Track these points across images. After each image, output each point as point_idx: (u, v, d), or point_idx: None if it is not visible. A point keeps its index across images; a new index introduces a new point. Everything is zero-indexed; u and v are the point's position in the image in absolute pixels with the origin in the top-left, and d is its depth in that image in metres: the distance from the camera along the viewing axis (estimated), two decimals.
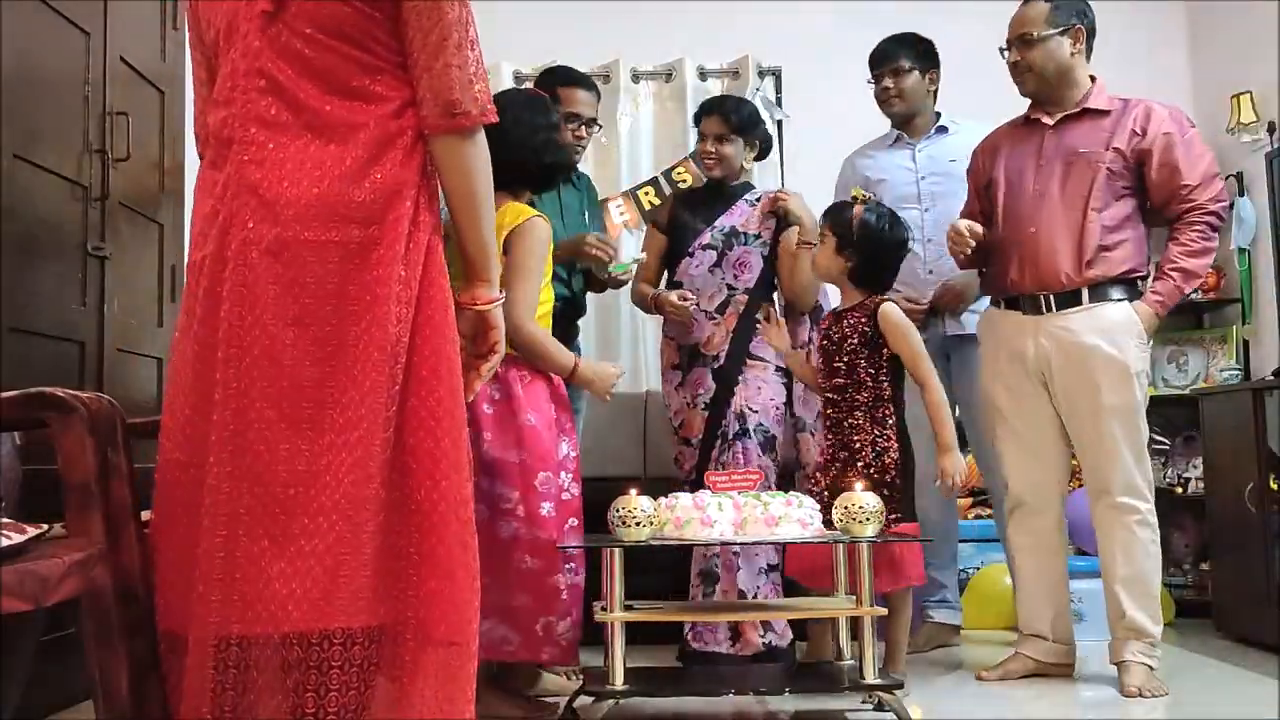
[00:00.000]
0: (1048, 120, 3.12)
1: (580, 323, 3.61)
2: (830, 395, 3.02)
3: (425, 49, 1.72)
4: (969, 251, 3.12)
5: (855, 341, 2.95)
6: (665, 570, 3.41)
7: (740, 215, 3.51)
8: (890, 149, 3.77)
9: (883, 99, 3.74)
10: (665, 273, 3.59)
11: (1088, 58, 3.14)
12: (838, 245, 3.01)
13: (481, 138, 1.77)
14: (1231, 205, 4.47)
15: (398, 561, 1.69)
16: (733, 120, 3.49)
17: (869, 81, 3.77)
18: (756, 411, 3.35)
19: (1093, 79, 3.13)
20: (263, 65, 1.72)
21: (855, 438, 2.94)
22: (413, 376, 1.70)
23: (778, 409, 3.39)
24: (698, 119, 3.60)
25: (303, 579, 1.62)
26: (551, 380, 2.83)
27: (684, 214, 3.56)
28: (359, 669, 1.66)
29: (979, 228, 3.08)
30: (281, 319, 1.66)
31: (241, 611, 1.62)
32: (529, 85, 3.65)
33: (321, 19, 1.71)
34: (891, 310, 2.94)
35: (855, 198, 3.10)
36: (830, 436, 3.03)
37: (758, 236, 3.46)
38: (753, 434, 3.33)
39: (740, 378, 3.39)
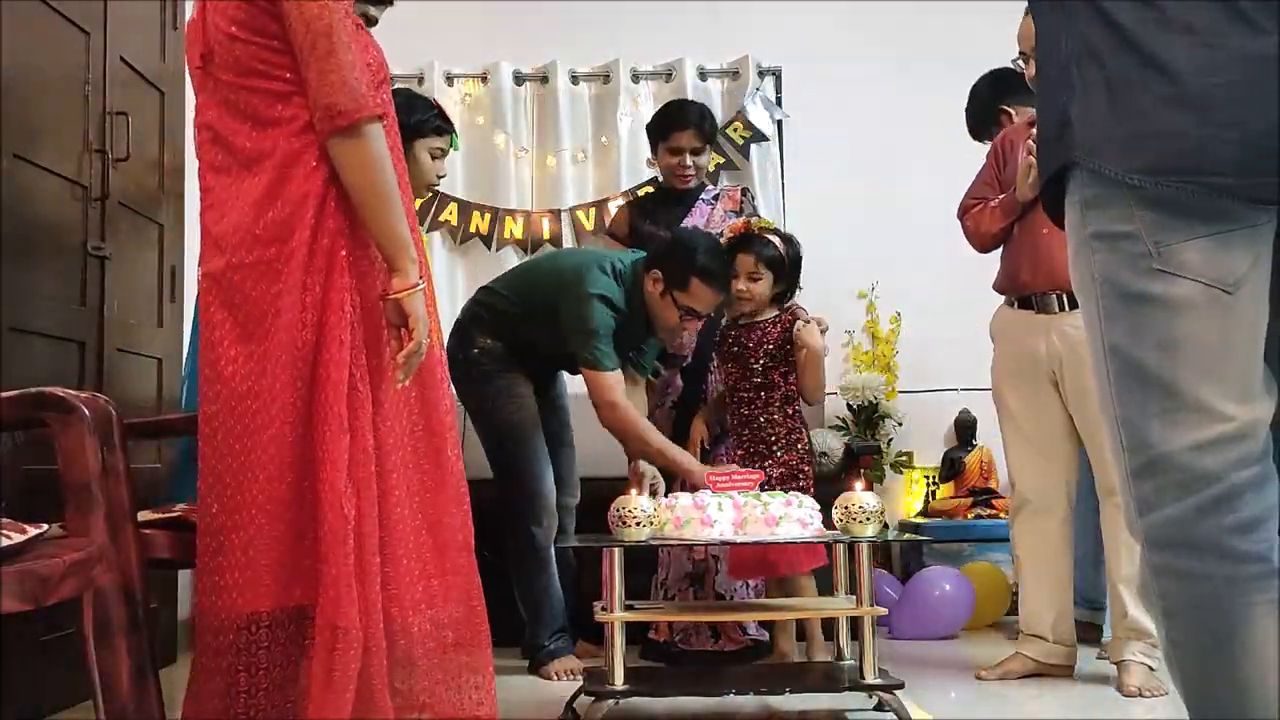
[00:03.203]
0: None
1: None
2: (744, 395, 3.23)
3: (305, 63, 1.83)
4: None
5: (770, 348, 3.19)
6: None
7: (700, 215, 3.53)
8: None
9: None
10: None
11: None
12: (775, 280, 3.21)
13: (370, 131, 1.84)
14: None
15: (304, 549, 1.82)
16: (706, 130, 3.52)
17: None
18: None
19: None
20: (206, 118, 1.94)
21: (770, 432, 3.18)
22: (315, 377, 1.83)
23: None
24: (664, 131, 3.51)
25: (231, 570, 1.80)
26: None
27: (644, 224, 3.53)
28: (283, 649, 1.81)
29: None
30: (229, 337, 1.86)
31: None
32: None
33: (234, 62, 1.88)
34: (812, 331, 3.18)
35: (764, 228, 3.27)
36: (744, 433, 3.23)
37: (720, 235, 3.44)
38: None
39: (710, 376, 3.43)
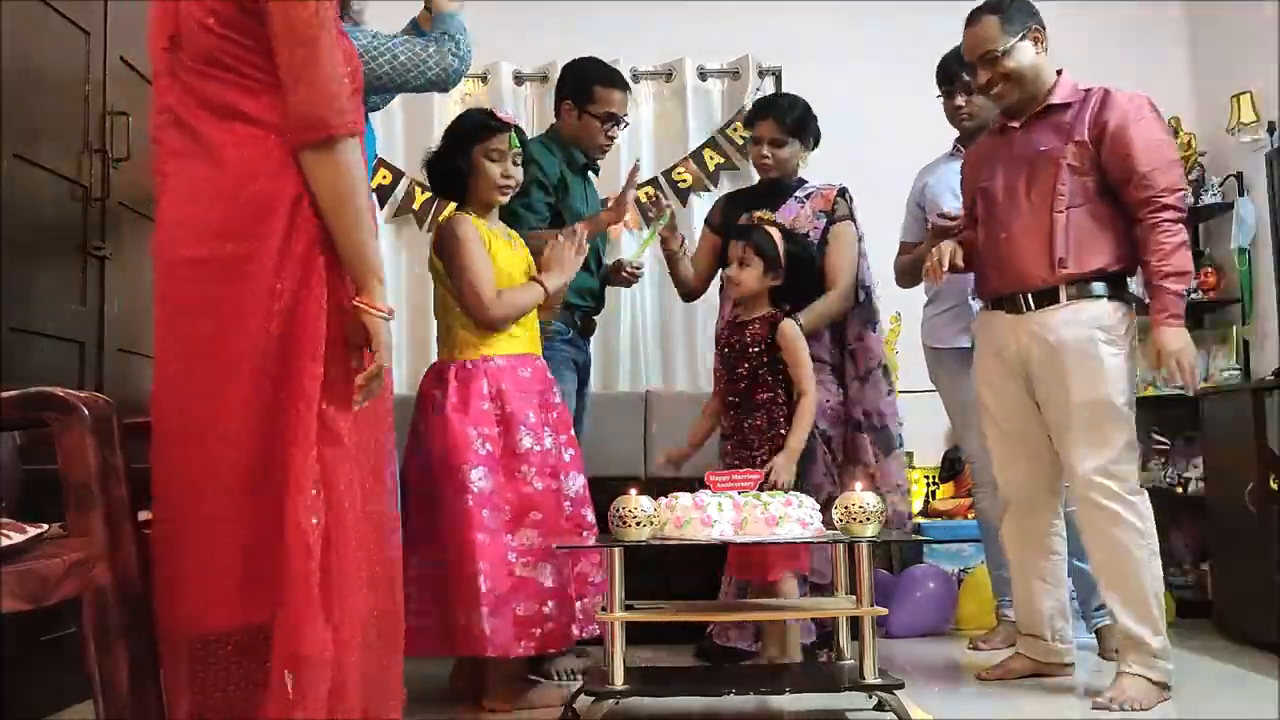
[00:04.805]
0: (1015, 124, 3.07)
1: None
2: (731, 399, 3.18)
3: (284, 66, 1.78)
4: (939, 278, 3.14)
5: (757, 350, 3.14)
6: (677, 570, 3.43)
7: (789, 213, 3.55)
8: (949, 159, 3.73)
9: (954, 117, 3.67)
10: (719, 271, 3.60)
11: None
12: (765, 268, 3.18)
13: (344, 147, 1.79)
14: (1231, 205, 4.47)
15: (261, 570, 1.74)
16: (787, 123, 3.56)
17: (938, 97, 3.68)
18: None
19: (1058, 73, 3.03)
20: (167, 100, 1.87)
21: (753, 437, 3.12)
22: (282, 389, 1.75)
23: (833, 408, 3.46)
24: (751, 120, 3.64)
25: (185, 586, 1.75)
26: (531, 370, 2.92)
27: (737, 212, 3.60)
28: (241, 667, 1.75)
29: (952, 258, 3.08)
30: (171, 334, 1.80)
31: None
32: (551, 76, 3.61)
33: (201, 51, 1.82)
34: (789, 326, 3.15)
35: (762, 219, 3.31)
36: (735, 436, 3.18)
37: (805, 234, 3.46)
38: (815, 435, 3.29)
39: None
